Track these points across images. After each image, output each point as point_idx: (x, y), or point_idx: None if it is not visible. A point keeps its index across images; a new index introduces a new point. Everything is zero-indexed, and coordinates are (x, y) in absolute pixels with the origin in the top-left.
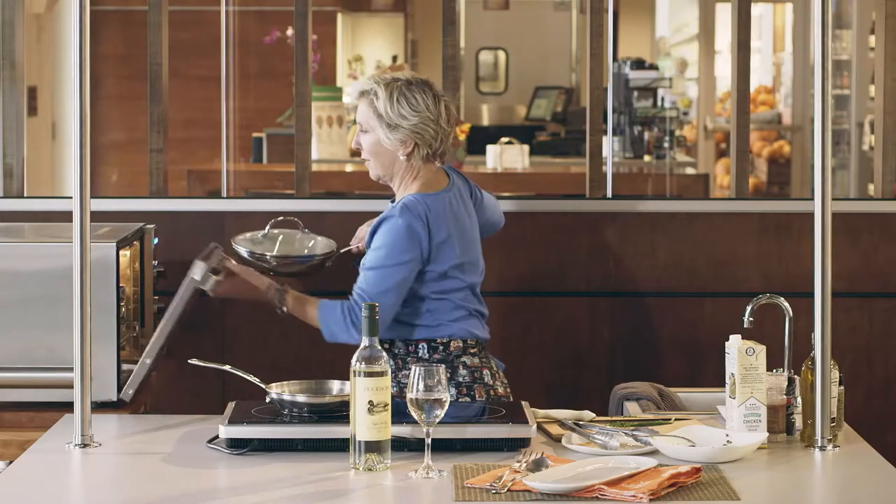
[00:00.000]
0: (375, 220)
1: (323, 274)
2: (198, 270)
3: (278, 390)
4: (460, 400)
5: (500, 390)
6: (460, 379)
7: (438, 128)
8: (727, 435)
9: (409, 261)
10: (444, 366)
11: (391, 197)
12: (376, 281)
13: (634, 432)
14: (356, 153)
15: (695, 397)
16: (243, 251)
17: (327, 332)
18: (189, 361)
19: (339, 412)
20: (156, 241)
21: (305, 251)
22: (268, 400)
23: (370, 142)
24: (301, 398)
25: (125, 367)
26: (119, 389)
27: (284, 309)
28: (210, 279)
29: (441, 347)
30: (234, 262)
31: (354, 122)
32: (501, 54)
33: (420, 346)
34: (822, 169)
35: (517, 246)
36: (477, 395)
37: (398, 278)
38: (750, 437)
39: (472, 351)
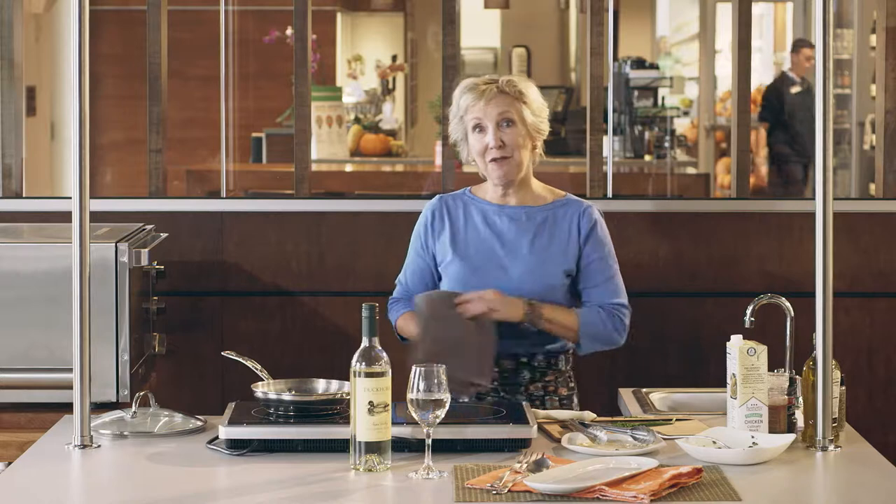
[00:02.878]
0: (587, 225)
1: None
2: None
3: (264, 389)
4: (575, 409)
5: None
6: (576, 387)
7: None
8: (752, 437)
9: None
10: (444, 366)
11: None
12: (623, 286)
13: (634, 432)
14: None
15: (696, 398)
16: None
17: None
18: (223, 353)
19: (325, 411)
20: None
21: None
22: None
23: (518, 134)
24: (287, 397)
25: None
26: (119, 390)
27: (539, 320)
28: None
29: (570, 359)
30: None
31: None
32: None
33: (561, 358)
34: (824, 168)
35: None
36: (580, 404)
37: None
38: (779, 439)
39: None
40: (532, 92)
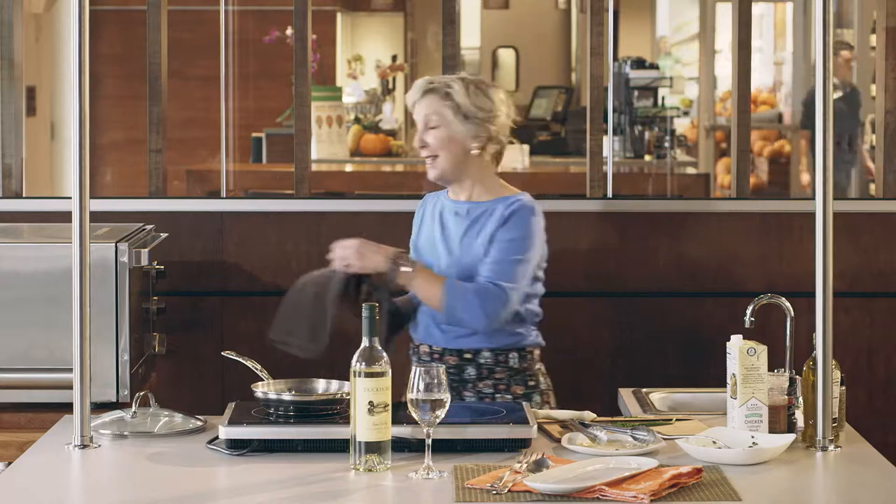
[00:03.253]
0: (507, 214)
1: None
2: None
3: (264, 389)
4: (543, 408)
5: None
6: (542, 387)
7: (508, 123)
8: (752, 437)
9: (535, 259)
10: (444, 367)
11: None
12: (523, 272)
13: (634, 432)
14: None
15: (696, 398)
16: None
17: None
18: (223, 353)
19: (325, 411)
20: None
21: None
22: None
23: (440, 136)
24: (287, 397)
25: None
26: (119, 390)
27: (408, 268)
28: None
29: (528, 356)
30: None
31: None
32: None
33: (511, 356)
34: (824, 168)
35: None
36: (552, 401)
37: (530, 274)
38: (779, 439)
39: (541, 358)
40: (462, 93)
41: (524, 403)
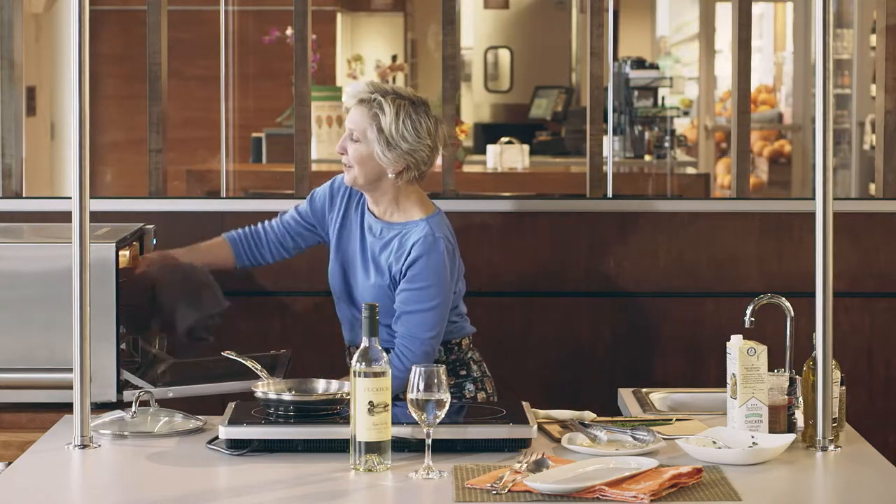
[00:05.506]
0: (410, 249)
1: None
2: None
3: (264, 389)
4: (477, 396)
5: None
6: (474, 375)
7: (433, 153)
8: (752, 437)
9: (449, 290)
10: (444, 366)
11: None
12: (438, 320)
13: (634, 432)
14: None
15: (696, 398)
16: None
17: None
18: (223, 353)
19: (325, 411)
20: (154, 241)
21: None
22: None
23: (360, 152)
24: (287, 397)
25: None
26: (118, 390)
27: None
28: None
29: (456, 348)
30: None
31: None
32: (502, 53)
33: (438, 350)
34: (824, 168)
35: (517, 246)
36: (487, 388)
37: (446, 313)
38: (779, 439)
39: (472, 346)
40: (391, 118)
41: (524, 403)
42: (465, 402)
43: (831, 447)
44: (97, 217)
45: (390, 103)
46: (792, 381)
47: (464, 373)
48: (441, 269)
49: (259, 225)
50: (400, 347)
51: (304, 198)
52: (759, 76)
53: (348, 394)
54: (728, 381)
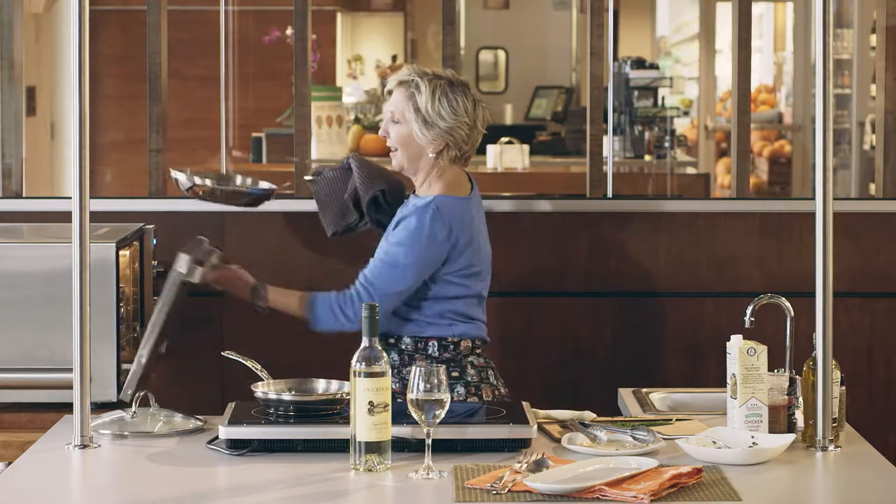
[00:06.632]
0: (401, 212)
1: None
2: (182, 263)
3: (264, 389)
4: (468, 399)
5: (503, 390)
6: (469, 378)
7: (472, 132)
8: (752, 437)
9: (424, 265)
10: (444, 366)
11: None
12: (390, 281)
13: (634, 432)
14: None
15: (696, 398)
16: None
17: (317, 321)
18: (223, 353)
19: (325, 411)
20: (154, 241)
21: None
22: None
23: (401, 133)
24: (287, 397)
25: (125, 366)
26: (119, 390)
27: (263, 304)
28: (196, 270)
29: (451, 346)
30: (220, 253)
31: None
32: (501, 53)
33: (430, 344)
34: (824, 168)
35: (517, 245)
36: (484, 395)
37: (410, 282)
38: (779, 439)
39: (478, 351)
40: (427, 97)
41: (524, 403)
42: (469, 403)
43: (831, 447)
44: (97, 217)
45: (427, 83)
46: (792, 381)
47: (456, 374)
48: (420, 235)
49: None
50: (355, 291)
51: (305, 198)
52: (759, 76)
53: (348, 394)
54: (728, 381)
